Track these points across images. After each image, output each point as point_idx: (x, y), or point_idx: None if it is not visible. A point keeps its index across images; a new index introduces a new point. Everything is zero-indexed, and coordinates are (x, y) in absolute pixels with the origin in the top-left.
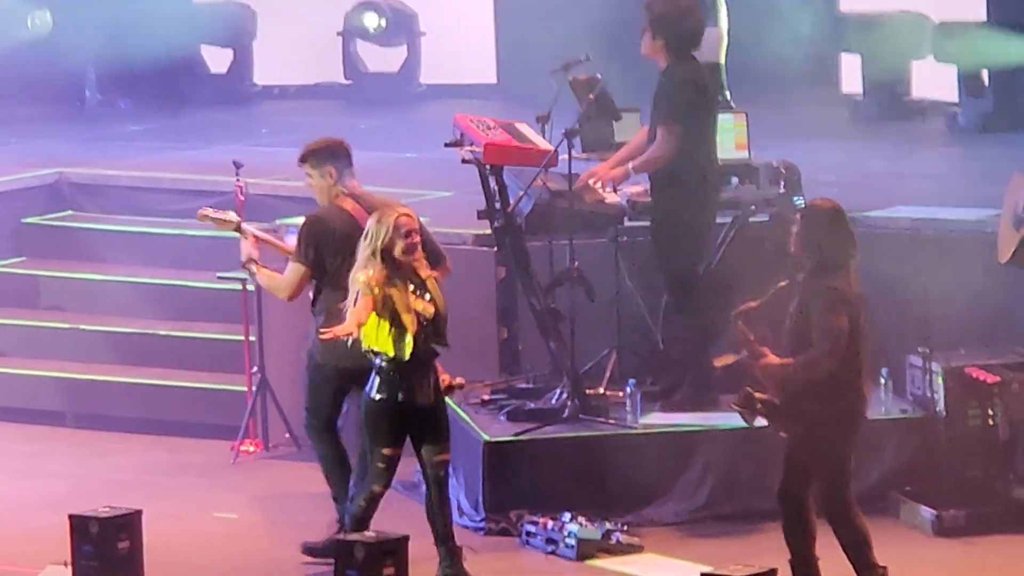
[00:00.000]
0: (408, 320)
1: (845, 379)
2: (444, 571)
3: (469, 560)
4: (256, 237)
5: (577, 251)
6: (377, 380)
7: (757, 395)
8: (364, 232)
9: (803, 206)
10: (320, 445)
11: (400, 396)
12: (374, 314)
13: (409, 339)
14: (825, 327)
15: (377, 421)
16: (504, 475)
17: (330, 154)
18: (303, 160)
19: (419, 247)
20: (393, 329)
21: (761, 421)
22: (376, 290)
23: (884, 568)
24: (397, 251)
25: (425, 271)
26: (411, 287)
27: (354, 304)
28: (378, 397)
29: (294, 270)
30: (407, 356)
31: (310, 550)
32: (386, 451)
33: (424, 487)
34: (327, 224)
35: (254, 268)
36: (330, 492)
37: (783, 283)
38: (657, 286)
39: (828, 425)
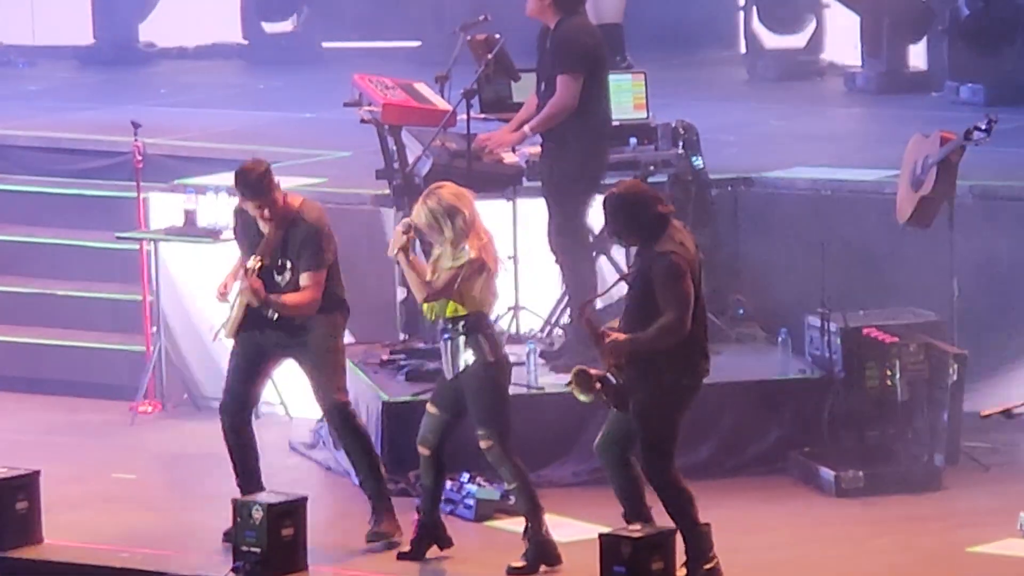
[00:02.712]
0: None
1: (693, 342)
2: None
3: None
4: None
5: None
6: None
7: (592, 372)
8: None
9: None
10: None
11: None
12: None
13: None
14: (672, 293)
15: None
16: (403, 435)
17: None
18: None
19: None
20: None
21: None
22: None
23: (708, 525)
24: None
25: None
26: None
27: None
28: None
29: None
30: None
31: None
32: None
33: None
34: None
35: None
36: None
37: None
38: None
39: (667, 394)
